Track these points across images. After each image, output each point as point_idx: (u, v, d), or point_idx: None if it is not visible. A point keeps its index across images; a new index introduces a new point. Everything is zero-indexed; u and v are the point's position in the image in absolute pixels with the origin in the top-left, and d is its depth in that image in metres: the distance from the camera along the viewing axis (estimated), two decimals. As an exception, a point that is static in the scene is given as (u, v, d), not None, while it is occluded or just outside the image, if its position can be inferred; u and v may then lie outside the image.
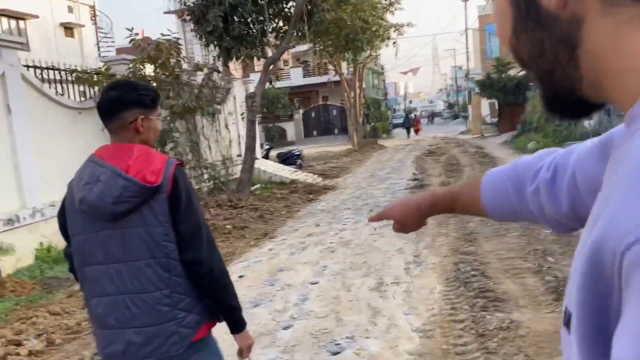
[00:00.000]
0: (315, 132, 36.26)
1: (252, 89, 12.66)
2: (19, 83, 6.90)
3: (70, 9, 23.68)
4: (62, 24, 22.95)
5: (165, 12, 29.84)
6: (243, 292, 5.13)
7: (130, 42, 8.39)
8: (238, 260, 6.77)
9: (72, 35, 23.71)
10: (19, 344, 4.37)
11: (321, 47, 19.59)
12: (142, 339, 1.77)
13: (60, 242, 7.50)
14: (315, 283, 5.48)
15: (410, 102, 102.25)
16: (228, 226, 8.63)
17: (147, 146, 1.85)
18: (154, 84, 8.95)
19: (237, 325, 1.94)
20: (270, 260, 6.59)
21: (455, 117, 65.07)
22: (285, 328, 4.35)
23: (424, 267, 5.71)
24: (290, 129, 35.32)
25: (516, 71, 26.80)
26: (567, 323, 0.52)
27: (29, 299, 5.66)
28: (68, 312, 5.08)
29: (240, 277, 5.95)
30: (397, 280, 5.32)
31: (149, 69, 9.03)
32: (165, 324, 1.77)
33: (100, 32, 25.48)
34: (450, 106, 77.17)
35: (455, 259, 5.78)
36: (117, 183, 1.73)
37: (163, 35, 8.42)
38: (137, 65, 8.32)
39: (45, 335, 4.59)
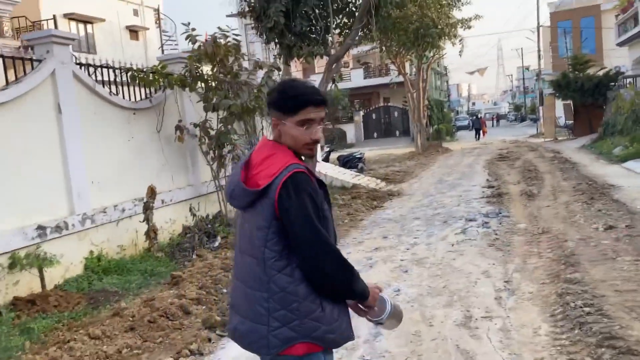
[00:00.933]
0: (375, 134, 35.30)
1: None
2: (70, 81, 6.50)
3: (135, 12, 23.98)
4: (127, 27, 23.26)
5: (228, 15, 29.85)
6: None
7: (186, 39, 7.88)
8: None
9: (137, 38, 24.01)
10: (50, 375, 3.82)
11: (387, 45, 18.64)
12: (243, 328, 1.90)
13: (110, 250, 7.10)
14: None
15: (474, 103, 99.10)
16: (287, 236, 7.94)
17: (280, 146, 1.92)
18: (212, 84, 8.42)
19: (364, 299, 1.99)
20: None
21: (522, 119, 62.26)
22: (356, 374, 3.57)
23: (518, 296, 4.77)
24: (350, 131, 34.55)
25: (595, 70, 24.86)
26: None
27: (72, 315, 5.18)
28: (109, 336, 4.52)
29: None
30: (489, 313, 4.41)
31: (207, 68, 8.52)
32: (259, 325, 1.84)
33: (165, 35, 25.72)
34: (516, 108, 74.00)
35: (558, 288, 4.79)
36: (234, 179, 1.93)
37: (220, 29, 7.84)
38: (194, 64, 7.78)
39: (80, 365, 4.04)
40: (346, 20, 11.68)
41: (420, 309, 4.67)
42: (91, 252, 6.56)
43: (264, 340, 1.83)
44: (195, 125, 8.38)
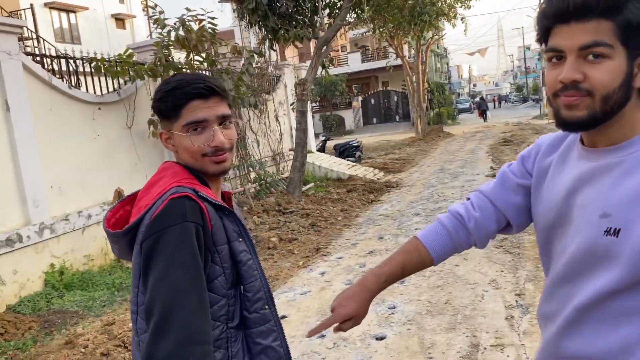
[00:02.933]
0: (375, 120, 34.48)
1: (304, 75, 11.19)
2: (19, 75, 5.75)
3: (121, 0, 23.09)
4: (113, 15, 22.41)
5: (220, 0, 28.95)
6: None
7: (154, 23, 7.10)
8: (281, 289, 5.36)
9: (123, 27, 23.15)
10: None
11: (381, 26, 17.73)
12: None
13: (76, 262, 6.41)
14: (381, 338, 3.96)
15: (475, 85, 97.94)
16: (273, 239, 7.24)
17: (179, 168, 1.32)
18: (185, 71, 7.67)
19: None
20: (321, 292, 5.13)
21: (524, 100, 61.27)
22: None
23: (533, 315, 4.06)
24: (349, 117, 33.72)
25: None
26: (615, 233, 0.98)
27: (19, 345, 4.50)
28: (52, 377, 3.83)
29: (282, 318, 4.54)
30: (499, 339, 3.71)
31: (182, 55, 7.75)
32: None
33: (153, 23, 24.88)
34: (518, 89, 72.91)
35: (579, 303, 4.08)
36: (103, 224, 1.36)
37: (189, 10, 7.03)
38: (163, 50, 7.00)
39: (8, 419, 3.36)
40: (335, 0, 10.85)
41: (418, 333, 3.96)
42: (52, 265, 5.88)
43: None
44: (171, 119, 7.63)
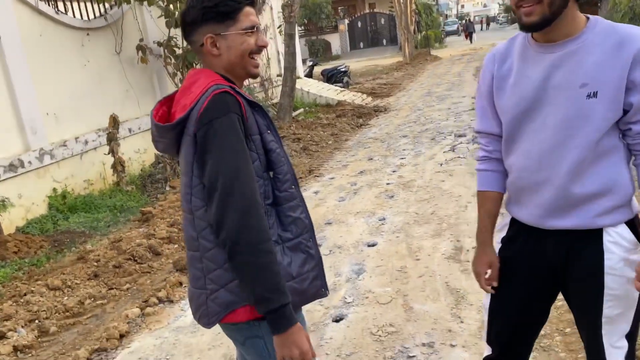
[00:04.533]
0: (362, 44, 33.90)
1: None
2: (7, 1, 5.69)
3: None
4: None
5: None
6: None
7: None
8: (277, 207, 5.67)
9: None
10: (2, 336, 3.48)
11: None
12: (189, 295, 1.59)
13: (77, 186, 6.63)
14: (373, 245, 4.31)
15: (463, 6, 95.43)
16: (267, 161, 7.48)
17: (209, 72, 1.48)
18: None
19: (273, 323, 1.38)
20: (316, 209, 5.45)
21: (513, 22, 60.15)
22: (337, 320, 3.25)
23: (512, 221, 4.41)
24: (335, 41, 33.08)
25: (591, -36, 23.36)
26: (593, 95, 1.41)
27: (33, 262, 4.80)
28: (70, 286, 4.15)
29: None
30: (481, 243, 4.06)
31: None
32: (197, 289, 1.52)
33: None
34: (507, 10, 71.25)
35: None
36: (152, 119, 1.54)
37: None
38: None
39: (37, 322, 3.70)
40: None
41: (406, 240, 4.31)
42: (54, 189, 6.09)
43: (203, 308, 1.50)
44: (159, 44, 7.62)
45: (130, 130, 7.26)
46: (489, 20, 64.99)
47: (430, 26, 34.05)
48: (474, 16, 72.19)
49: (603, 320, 1.53)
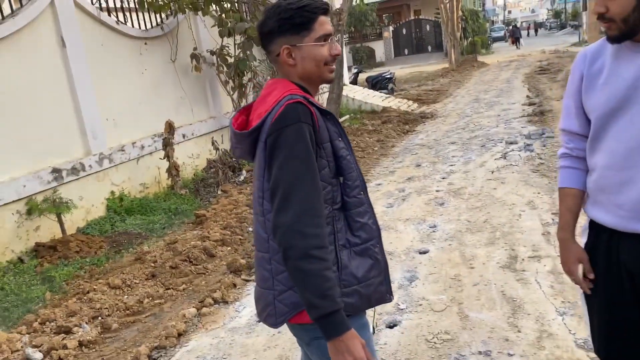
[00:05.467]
0: (406, 51, 33.70)
1: (338, 4, 11.08)
2: (71, 11, 5.98)
3: None
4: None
5: None
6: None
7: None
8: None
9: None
10: (68, 331, 3.66)
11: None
12: (256, 296, 1.65)
13: (133, 190, 6.87)
14: (424, 252, 4.30)
15: (510, 12, 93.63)
16: (315, 167, 7.55)
17: (286, 82, 1.56)
18: (227, 5, 7.77)
19: (323, 329, 1.38)
20: (364, 215, 5.46)
21: (562, 27, 58.51)
22: (391, 326, 3.26)
23: (569, 231, 4.30)
24: (379, 48, 33.03)
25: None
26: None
27: (94, 261, 5.02)
28: (130, 286, 4.32)
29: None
30: (536, 252, 3.99)
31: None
32: (265, 289, 1.58)
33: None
34: (556, 15, 69.42)
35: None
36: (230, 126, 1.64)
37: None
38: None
39: (100, 318, 3.86)
40: None
41: (459, 248, 4.28)
42: (112, 192, 6.34)
43: (270, 308, 1.56)
44: (212, 53, 7.83)
45: (184, 136, 7.49)
46: (537, 25, 63.43)
47: (477, 32, 33.53)
48: (522, 22, 70.69)
49: None
